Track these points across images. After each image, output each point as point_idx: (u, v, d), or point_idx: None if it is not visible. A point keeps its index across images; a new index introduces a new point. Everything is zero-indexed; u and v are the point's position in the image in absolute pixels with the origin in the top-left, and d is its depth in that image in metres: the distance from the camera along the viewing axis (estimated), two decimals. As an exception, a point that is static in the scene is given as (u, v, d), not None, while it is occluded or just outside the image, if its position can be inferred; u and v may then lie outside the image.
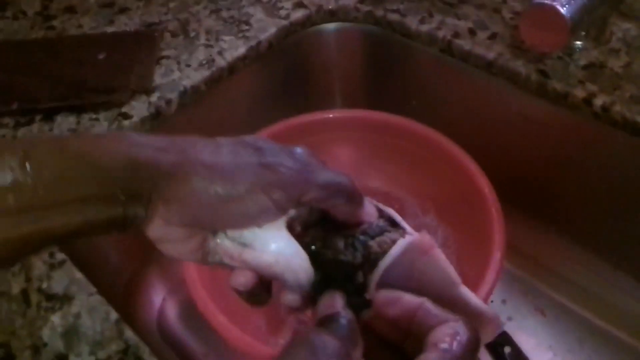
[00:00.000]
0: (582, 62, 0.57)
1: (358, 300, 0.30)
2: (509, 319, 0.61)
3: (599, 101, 0.53)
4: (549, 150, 0.59)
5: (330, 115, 0.65)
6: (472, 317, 0.29)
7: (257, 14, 0.68)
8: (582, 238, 0.62)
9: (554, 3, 0.50)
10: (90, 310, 0.40)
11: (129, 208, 0.26)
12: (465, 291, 0.32)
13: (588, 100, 0.54)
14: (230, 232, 0.29)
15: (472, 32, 0.62)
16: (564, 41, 0.51)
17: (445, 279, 0.31)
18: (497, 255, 0.49)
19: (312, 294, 0.30)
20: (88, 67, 0.61)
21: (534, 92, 0.57)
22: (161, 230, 0.28)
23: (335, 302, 0.28)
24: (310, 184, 0.29)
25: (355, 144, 0.66)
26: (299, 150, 0.31)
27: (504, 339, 0.59)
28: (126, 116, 0.57)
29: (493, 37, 0.61)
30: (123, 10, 0.70)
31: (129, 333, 0.38)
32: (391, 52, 0.67)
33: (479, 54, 0.60)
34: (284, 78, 0.70)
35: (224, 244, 0.29)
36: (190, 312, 0.63)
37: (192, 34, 0.66)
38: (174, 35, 0.66)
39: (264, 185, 0.28)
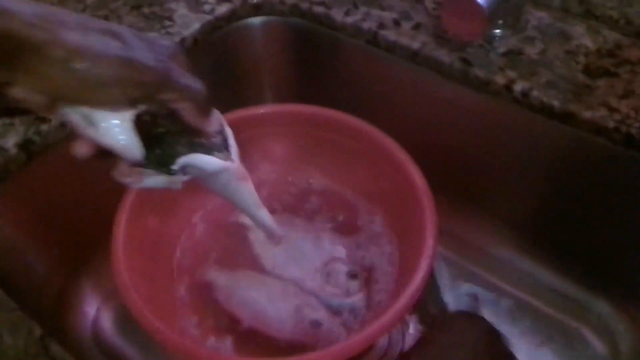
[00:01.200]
0: (501, 50, 0.59)
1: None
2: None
3: (518, 87, 0.55)
4: (474, 135, 0.61)
5: (262, 111, 0.64)
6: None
7: (180, 9, 0.66)
8: (507, 217, 0.65)
9: (472, -7, 0.51)
10: (12, 328, 0.38)
11: None
12: (264, 212, 0.45)
13: (508, 86, 0.56)
14: (89, 111, 0.32)
15: (396, 23, 0.63)
16: (483, 30, 0.53)
17: (250, 201, 0.43)
18: (430, 242, 0.50)
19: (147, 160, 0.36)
20: (0, 70, 0.58)
21: (458, 80, 0.58)
22: (22, 94, 0.30)
23: None
24: (167, 86, 0.33)
25: (289, 138, 0.66)
26: (164, 46, 0.34)
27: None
28: (44, 120, 0.54)
29: (417, 27, 0.63)
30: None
31: (55, 348, 0.37)
32: (318, 45, 0.68)
33: (404, 44, 0.61)
34: (212, 74, 0.69)
35: (73, 116, 0.32)
36: (126, 320, 0.61)
37: (112, 32, 0.63)
38: (92, 33, 0.63)
39: (120, 80, 0.31)
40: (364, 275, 0.56)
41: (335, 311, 0.52)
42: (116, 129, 0.32)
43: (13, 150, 0.52)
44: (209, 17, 0.65)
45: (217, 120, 0.39)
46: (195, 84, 0.35)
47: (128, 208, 0.52)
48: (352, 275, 0.54)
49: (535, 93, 0.55)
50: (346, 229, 0.61)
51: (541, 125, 0.55)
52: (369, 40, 0.63)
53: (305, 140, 0.65)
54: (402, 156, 0.57)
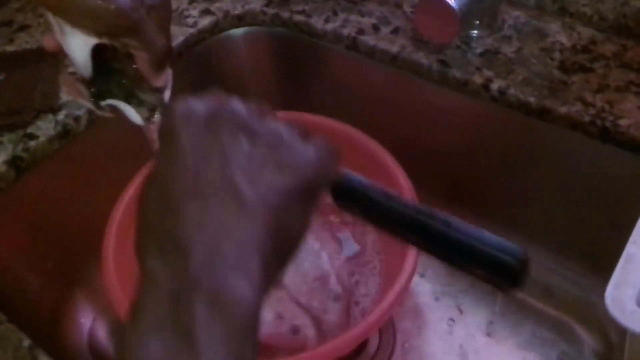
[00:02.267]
0: (479, 50, 0.60)
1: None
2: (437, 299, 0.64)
3: (495, 85, 0.56)
4: (454, 134, 0.62)
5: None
6: None
7: (164, 23, 0.68)
8: (492, 214, 0.66)
9: (444, -4, 0.52)
10: (0, 340, 0.39)
11: None
12: None
13: (486, 86, 0.57)
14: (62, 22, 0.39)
15: (375, 28, 0.64)
16: (456, 31, 0.54)
17: None
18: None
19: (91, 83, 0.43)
20: (-12, 90, 0.59)
21: (437, 82, 0.59)
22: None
23: None
24: (132, 32, 0.37)
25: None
26: None
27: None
28: (32, 136, 0.55)
29: (395, 31, 0.64)
30: (23, 27, 0.68)
31: (43, 358, 0.37)
32: (301, 53, 0.69)
33: (383, 48, 0.62)
34: (197, 86, 0.69)
35: (52, 19, 0.39)
36: (121, 330, 0.62)
37: (98, 48, 0.65)
38: (78, 50, 0.64)
39: (93, 14, 0.36)
40: (349, 291, 0.57)
41: (315, 321, 0.53)
42: (78, 46, 0.39)
43: (2, 168, 0.53)
44: (192, 30, 0.66)
45: (165, 80, 0.43)
46: (160, 40, 0.39)
47: (118, 220, 0.54)
48: (335, 298, 0.55)
49: (512, 91, 0.56)
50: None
51: (519, 121, 0.56)
52: (348, 46, 0.64)
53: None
54: (386, 158, 0.58)
